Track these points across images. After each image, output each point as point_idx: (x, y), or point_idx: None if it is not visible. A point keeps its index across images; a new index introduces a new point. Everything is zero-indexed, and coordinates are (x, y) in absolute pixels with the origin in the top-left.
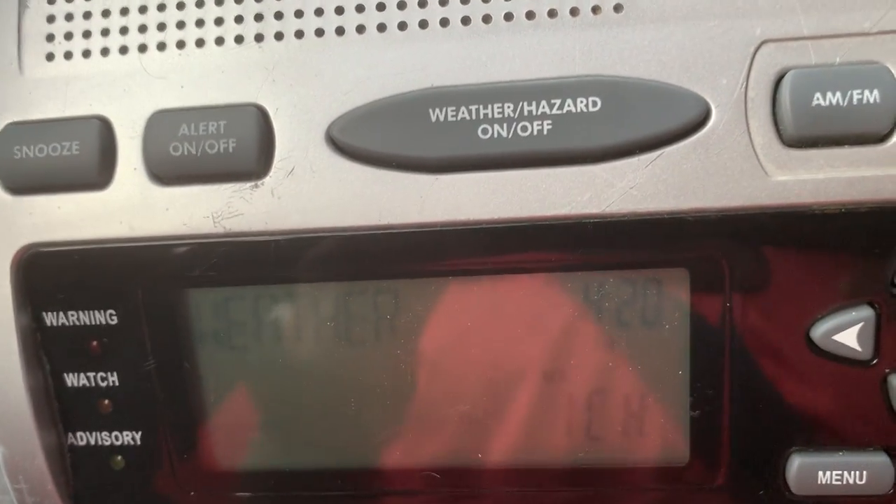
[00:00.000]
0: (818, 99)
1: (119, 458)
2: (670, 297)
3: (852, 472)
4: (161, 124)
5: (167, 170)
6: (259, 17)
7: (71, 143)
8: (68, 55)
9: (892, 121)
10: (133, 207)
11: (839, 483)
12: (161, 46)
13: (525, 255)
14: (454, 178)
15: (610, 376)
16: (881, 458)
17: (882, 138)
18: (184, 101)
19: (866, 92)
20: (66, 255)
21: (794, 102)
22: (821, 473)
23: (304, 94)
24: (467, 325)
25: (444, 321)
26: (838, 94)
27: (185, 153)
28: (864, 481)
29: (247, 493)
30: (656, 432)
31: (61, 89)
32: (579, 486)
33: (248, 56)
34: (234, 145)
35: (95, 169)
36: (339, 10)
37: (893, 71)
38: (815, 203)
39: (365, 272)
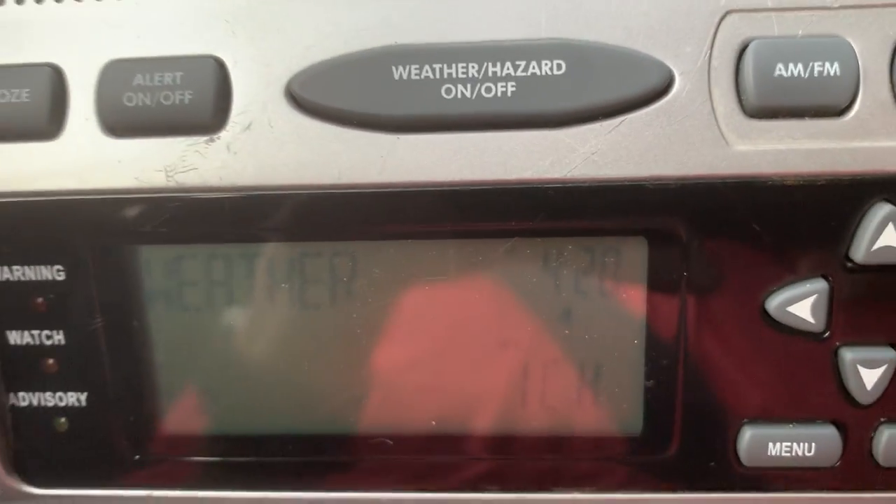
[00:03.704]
0: (780, 69)
1: (63, 420)
2: (628, 266)
3: (801, 444)
4: (115, 74)
5: (120, 121)
6: None
7: (20, 91)
8: (20, 0)
9: (850, 95)
10: (84, 159)
11: (788, 455)
12: None
13: (485, 219)
14: (416, 139)
15: (566, 344)
16: (829, 431)
17: (840, 112)
18: (140, 51)
19: (827, 64)
20: (12, 206)
21: (756, 72)
22: (771, 445)
23: (265, 47)
24: (424, 289)
25: (400, 285)
26: (800, 66)
27: (140, 104)
28: (812, 453)
29: (195, 458)
30: (611, 401)
31: (12, 35)
32: (532, 454)
33: (207, 7)
34: (190, 97)
35: (45, 118)
36: None
37: (853, 45)
38: (774, 174)
39: (322, 233)
